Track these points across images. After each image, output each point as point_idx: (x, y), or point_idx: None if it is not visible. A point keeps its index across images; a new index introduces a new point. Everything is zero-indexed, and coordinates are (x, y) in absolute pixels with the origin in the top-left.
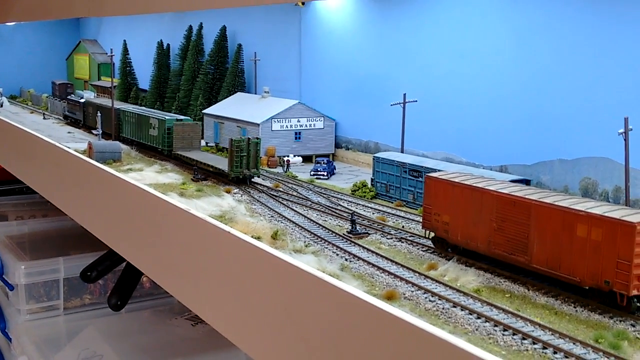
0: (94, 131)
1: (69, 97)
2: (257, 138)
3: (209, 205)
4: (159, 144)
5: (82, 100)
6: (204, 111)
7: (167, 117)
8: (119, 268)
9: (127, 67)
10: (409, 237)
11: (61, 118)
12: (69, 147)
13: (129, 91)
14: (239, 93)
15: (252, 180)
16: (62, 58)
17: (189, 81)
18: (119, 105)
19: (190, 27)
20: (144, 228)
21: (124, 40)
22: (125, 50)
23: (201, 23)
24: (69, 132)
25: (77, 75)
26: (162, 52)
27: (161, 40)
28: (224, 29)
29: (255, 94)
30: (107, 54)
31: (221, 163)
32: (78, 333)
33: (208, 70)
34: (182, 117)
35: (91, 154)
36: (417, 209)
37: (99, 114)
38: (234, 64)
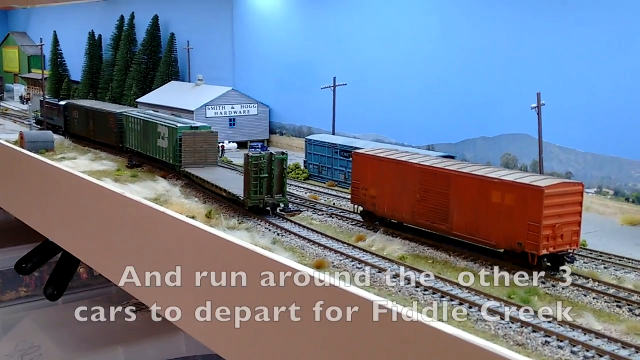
0: (25, 121)
1: (44, 99)
2: (284, 153)
3: (143, 189)
4: (169, 158)
5: (62, 103)
6: (137, 100)
7: (178, 125)
8: (55, 259)
9: (58, 59)
10: (340, 212)
11: None
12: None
13: (60, 83)
14: (172, 81)
15: (277, 211)
16: None
17: (122, 71)
18: (121, 108)
19: (122, 17)
20: (79, 215)
21: (54, 32)
22: (56, 42)
23: (133, 13)
24: None
25: (6, 68)
26: (94, 42)
27: (92, 30)
28: (156, 18)
29: (189, 82)
30: (37, 45)
31: (238, 185)
32: (14, 325)
33: (141, 60)
34: (197, 123)
35: (23, 144)
36: (348, 188)
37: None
38: (167, 53)
